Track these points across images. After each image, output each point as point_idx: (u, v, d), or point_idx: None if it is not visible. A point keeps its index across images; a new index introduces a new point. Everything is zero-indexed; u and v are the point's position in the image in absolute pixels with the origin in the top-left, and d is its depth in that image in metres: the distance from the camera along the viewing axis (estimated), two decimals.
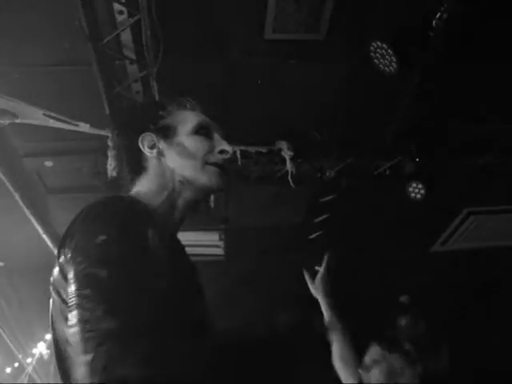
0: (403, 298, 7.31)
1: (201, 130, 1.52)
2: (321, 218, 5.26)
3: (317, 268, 3.03)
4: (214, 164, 1.48)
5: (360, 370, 2.55)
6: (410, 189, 4.82)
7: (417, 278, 6.47)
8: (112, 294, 1.11)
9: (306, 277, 3.03)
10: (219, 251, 5.67)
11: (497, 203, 5.75)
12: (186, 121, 1.53)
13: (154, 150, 1.49)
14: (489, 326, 6.49)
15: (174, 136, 1.51)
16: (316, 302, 2.96)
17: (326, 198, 5.00)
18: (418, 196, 4.79)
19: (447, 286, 6.56)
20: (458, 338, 6.41)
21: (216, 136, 1.54)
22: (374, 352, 2.51)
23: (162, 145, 1.50)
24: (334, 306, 2.92)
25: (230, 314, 3.47)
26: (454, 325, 6.48)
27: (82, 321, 1.09)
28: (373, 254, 5.94)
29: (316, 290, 2.96)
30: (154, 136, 1.51)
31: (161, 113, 1.54)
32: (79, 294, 1.12)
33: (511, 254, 6.28)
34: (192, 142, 1.49)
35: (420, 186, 4.80)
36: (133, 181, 1.54)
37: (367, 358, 2.53)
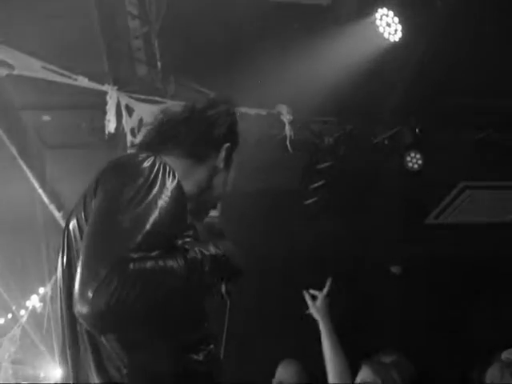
0: (394, 269, 7.41)
1: None
2: (317, 185, 5.26)
3: (317, 292, 3.03)
4: None
5: None
6: (408, 158, 4.81)
7: (409, 249, 6.52)
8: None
9: (307, 298, 3.04)
10: (214, 213, 5.67)
11: (493, 178, 5.75)
12: None
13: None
14: (478, 300, 6.58)
15: None
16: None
17: (324, 165, 5.00)
18: (416, 166, 4.79)
19: (439, 259, 6.62)
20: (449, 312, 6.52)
21: None
22: (366, 374, 2.53)
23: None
24: (334, 331, 2.91)
25: None
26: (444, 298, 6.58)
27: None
28: (366, 223, 5.97)
29: (317, 312, 2.97)
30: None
31: None
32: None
33: (504, 230, 6.33)
34: None
35: (418, 155, 4.79)
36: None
37: (358, 379, 2.56)
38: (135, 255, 1.20)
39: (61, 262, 1.49)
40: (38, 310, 6.55)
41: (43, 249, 5.31)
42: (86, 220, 1.39)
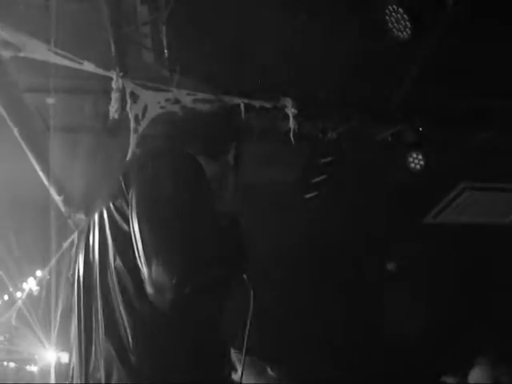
0: (390, 266, 7.43)
1: None
2: (319, 179, 5.26)
3: None
4: None
5: None
6: (410, 159, 4.82)
7: (406, 248, 6.54)
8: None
9: None
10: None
11: (493, 180, 5.76)
12: None
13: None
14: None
15: None
16: None
17: (326, 160, 4.99)
18: (418, 167, 4.80)
19: (434, 258, 6.64)
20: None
21: None
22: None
23: None
24: None
25: None
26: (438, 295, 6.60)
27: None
28: (365, 219, 5.98)
29: None
30: None
31: None
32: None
33: (501, 232, 6.35)
34: None
35: (420, 156, 4.80)
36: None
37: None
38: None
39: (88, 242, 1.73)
40: (35, 294, 6.57)
41: (42, 232, 5.32)
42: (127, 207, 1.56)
